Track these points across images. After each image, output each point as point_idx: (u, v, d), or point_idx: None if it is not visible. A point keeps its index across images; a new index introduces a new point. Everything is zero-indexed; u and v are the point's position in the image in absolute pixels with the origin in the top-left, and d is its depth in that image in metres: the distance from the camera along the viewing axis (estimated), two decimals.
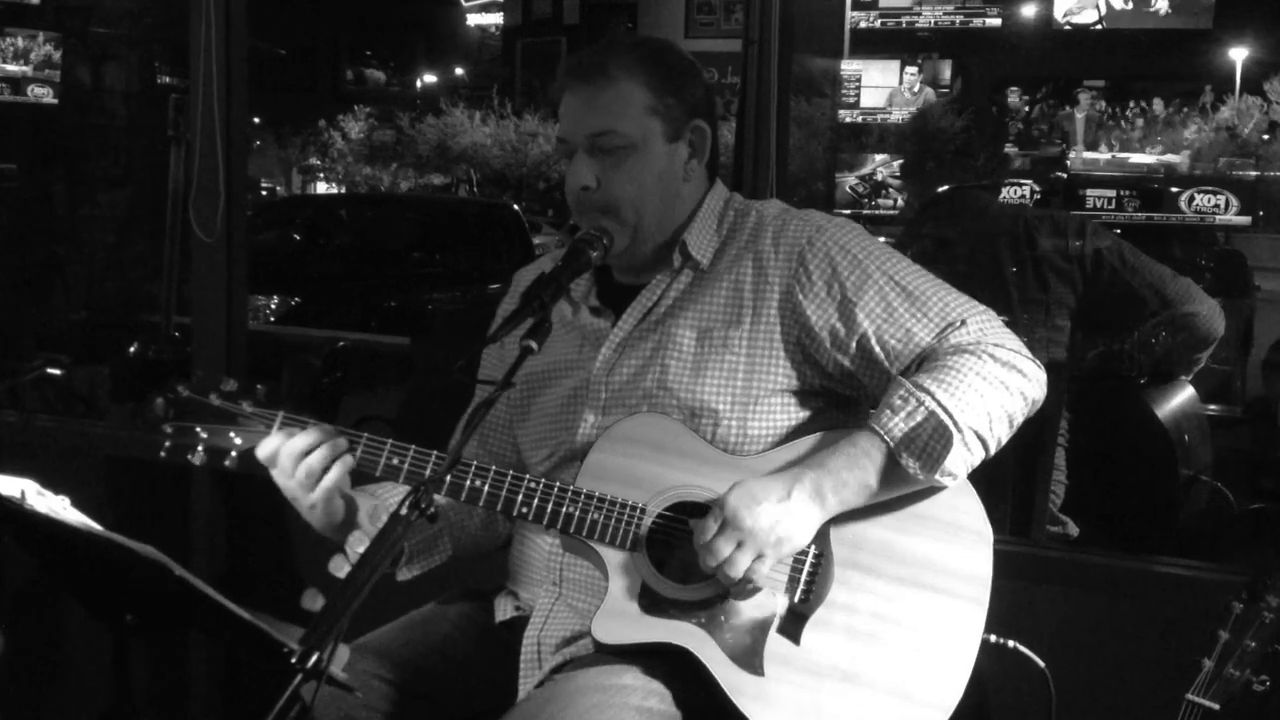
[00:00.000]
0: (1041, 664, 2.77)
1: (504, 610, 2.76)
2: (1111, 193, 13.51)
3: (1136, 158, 16.35)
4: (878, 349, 2.54)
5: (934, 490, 2.49)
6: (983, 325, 2.53)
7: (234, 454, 2.58)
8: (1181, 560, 3.58)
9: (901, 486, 2.46)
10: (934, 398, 2.41)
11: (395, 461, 2.54)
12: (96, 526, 2.31)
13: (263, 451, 2.52)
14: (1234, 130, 16.43)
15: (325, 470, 2.50)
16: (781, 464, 2.50)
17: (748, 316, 2.59)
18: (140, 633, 2.48)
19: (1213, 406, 5.72)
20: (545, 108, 23.49)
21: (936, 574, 2.49)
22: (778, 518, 2.37)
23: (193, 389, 2.60)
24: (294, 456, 2.49)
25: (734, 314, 2.60)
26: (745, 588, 2.41)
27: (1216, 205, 13.23)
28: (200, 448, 2.59)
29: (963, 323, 2.52)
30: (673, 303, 2.66)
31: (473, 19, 29.37)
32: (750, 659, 2.43)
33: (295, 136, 28.91)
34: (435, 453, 2.54)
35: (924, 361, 2.51)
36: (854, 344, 2.55)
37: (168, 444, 2.60)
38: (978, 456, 2.47)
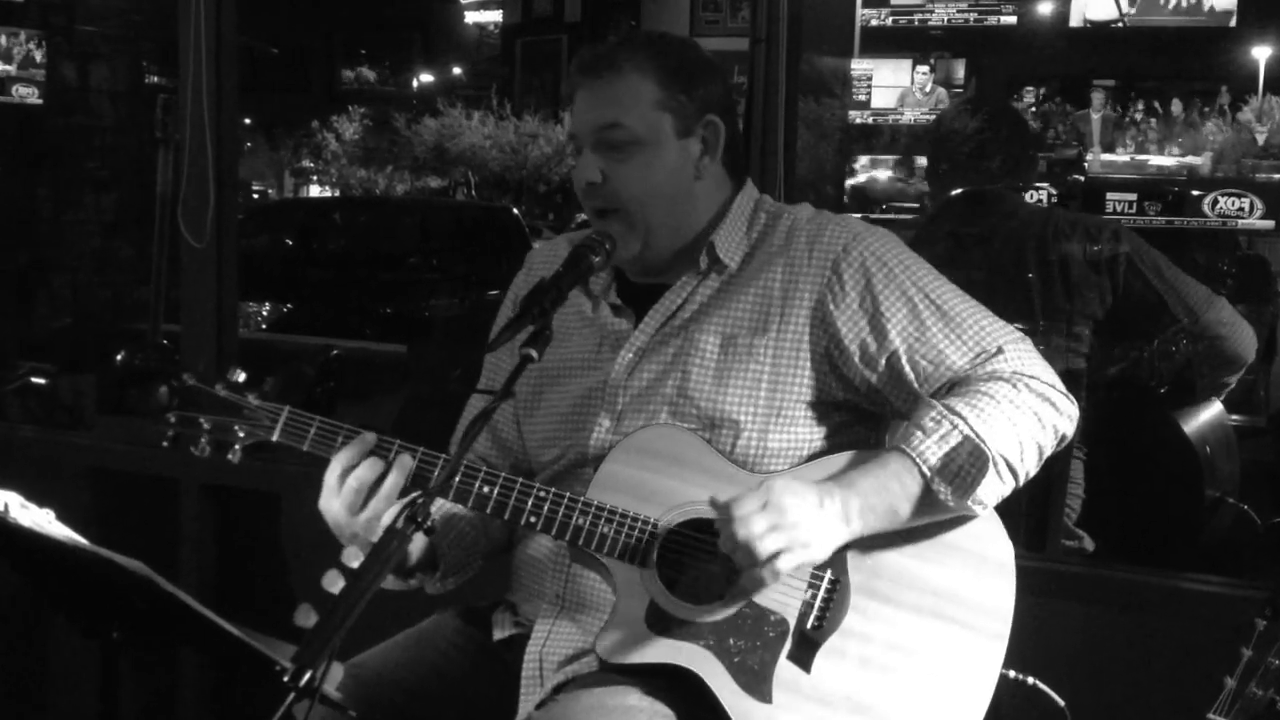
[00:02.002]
0: (1061, 703, 2.77)
1: (502, 627, 2.75)
2: (1133, 196, 13.47)
3: (1157, 159, 16.33)
4: (907, 368, 2.53)
5: (958, 517, 2.49)
6: (1020, 354, 2.53)
7: (238, 448, 2.59)
8: (1203, 575, 3.57)
9: (930, 513, 2.46)
10: (967, 422, 2.41)
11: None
12: (82, 541, 2.32)
13: (336, 476, 2.52)
14: (1253, 131, 16.41)
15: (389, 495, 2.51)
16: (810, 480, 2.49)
17: (774, 324, 2.58)
18: (128, 650, 2.48)
19: (1235, 417, 5.70)
20: (546, 108, 23.50)
21: (956, 605, 2.48)
22: (812, 519, 2.36)
23: (198, 378, 2.61)
24: (366, 488, 2.50)
25: (760, 321, 2.59)
26: (763, 578, 2.36)
27: (1241, 209, 13.20)
28: (203, 439, 2.59)
29: (999, 350, 2.52)
30: (698, 307, 2.65)
31: (471, 17, 29.38)
32: (759, 685, 2.43)
33: (288, 138, 28.93)
34: (443, 455, 2.54)
35: (955, 386, 2.51)
36: (883, 361, 2.54)
37: (170, 434, 2.60)
38: (1008, 487, 2.47)
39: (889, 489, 2.42)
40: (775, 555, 2.32)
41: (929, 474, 2.42)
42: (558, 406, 2.73)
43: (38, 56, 10.62)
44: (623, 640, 2.46)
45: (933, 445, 2.42)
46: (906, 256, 2.61)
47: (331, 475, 2.51)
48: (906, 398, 2.56)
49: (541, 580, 2.67)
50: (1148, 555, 4.44)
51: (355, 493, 2.49)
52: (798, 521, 2.33)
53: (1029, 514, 4.07)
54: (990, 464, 2.41)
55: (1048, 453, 2.52)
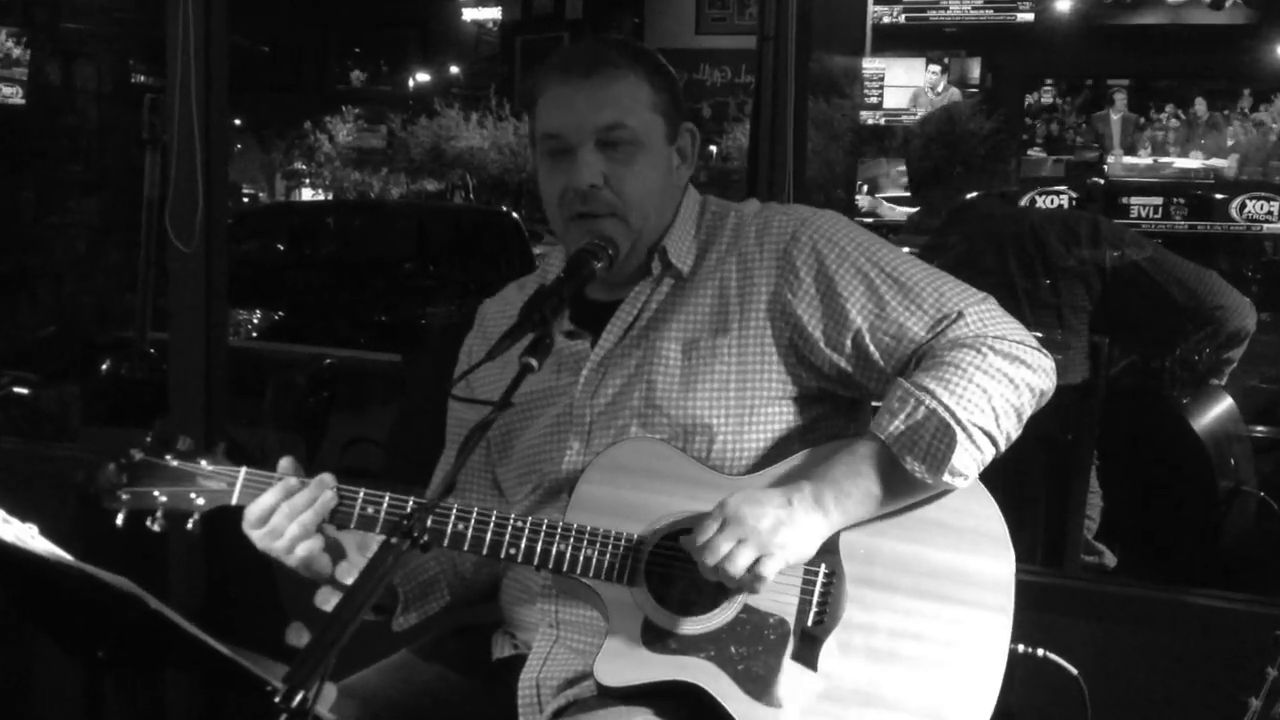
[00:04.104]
0: (1074, 671, 2.77)
1: (501, 647, 2.76)
2: (1158, 200, 13.47)
3: (1181, 162, 16.32)
4: (871, 346, 2.53)
5: (945, 495, 2.49)
6: (982, 315, 2.52)
7: (196, 517, 2.60)
8: (1226, 592, 3.57)
9: (910, 492, 2.46)
10: (934, 396, 2.41)
11: (370, 511, 2.54)
12: (66, 556, 2.32)
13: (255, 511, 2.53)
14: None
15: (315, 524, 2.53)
16: (780, 478, 2.50)
17: (735, 322, 2.58)
18: (113, 670, 2.48)
19: (1260, 427, 5.71)
20: None
21: (956, 584, 2.48)
22: (780, 520, 2.36)
23: (147, 451, 2.61)
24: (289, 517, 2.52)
25: (720, 321, 2.60)
26: (754, 587, 2.38)
27: (1270, 213, 13.19)
28: (159, 512, 2.59)
29: (959, 315, 2.51)
30: (654, 314, 2.65)
31: (469, 14, 29.37)
32: (766, 690, 2.43)
33: (279, 139, 28.94)
34: (413, 498, 2.53)
35: (922, 359, 2.51)
36: (848, 342, 2.54)
37: (124, 512, 2.60)
38: (988, 454, 2.46)
39: (862, 473, 2.43)
40: (753, 566, 2.34)
41: (899, 452, 2.42)
42: (529, 441, 2.73)
43: (16, 53, 10.65)
44: (620, 662, 2.46)
45: (899, 423, 2.43)
46: (857, 233, 2.62)
47: (250, 514, 2.54)
48: (876, 376, 2.56)
49: (532, 613, 2.67)
50: (1171, 565, 4.44)
51: (270, 534, 2.52)
52: (760, 527, 2.35)
53: (1046, 529, 4.08)
54: (960, 434, 2.40)
55: (1027, 413, 2.50)
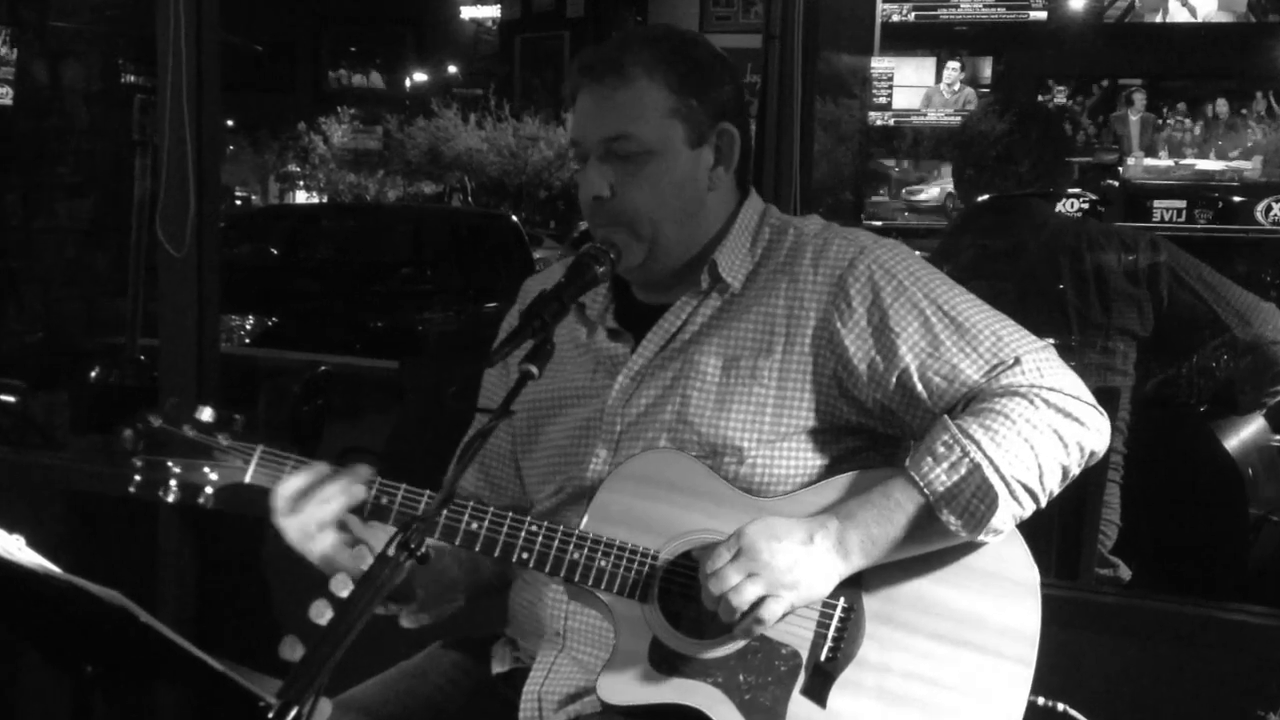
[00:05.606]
0: None
1: (502, 660, 2.76)
2: (1182, 203, 13.40)
3: (1203, 164, 16.28)
4: (919, 385, 2.49)
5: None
6: (1039, 364, 2.48)
7: (209, 491, 2.59)
8: (1243, 606, 3.57)
9: (938, 541, 2.43)
10: (979, 448, 2.37)
11: (384, 501, 2.53)
12: (54, 568, 2.32)
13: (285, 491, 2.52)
14: None
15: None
16: (809, 507, 2.47)
17: (779, 345, 2.56)
18: (102, 685, 2.48)
19: (1278, 437, 5.71)
20: (546, 109, 23.53)
21: (978, 630, 2.46)
22: (797, 559, 2.35)
23: (165, 419, 2.60)
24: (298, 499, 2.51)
25: (765, 342, 2.57)
26: (751, 628, 2.36)
27: None
28: (173, 483, 2.59)
29: (1016, 361, 2.47)
30: (699, 328, 2.62)
31: (467, 12, 29.38)
32: None
33: (273, 140, 28.93)
34: (427, 492, 2.52)
35: (971, 402, 2.47)
36: (894, 379, 2.50)
37: (137, 479, 2.61)
38: (1027, 510, 2.43)
39: (892, 519, 2.40)
40: (758, 604, 2.32)
41: (936, 504, 2.40)
42: (554, 439, 2.72)
43: (2, 52, 10.65)
44: (625, 681, 2.45)
45: (941, 474, 2.39)
46: (917, 266, 2.58)
47: (280, 498, 2.53)
48: (922, 416, 2.52)
49: (540, 618, 2.67)
50: (1191, 581, 4.43)
51: (300, 526, 2.52)
52: (775, 564, 2.33)
53: (1061, 541, 4.07)
54: (1003, 492, 2.38)
55: (1074, 471, 2.48)
